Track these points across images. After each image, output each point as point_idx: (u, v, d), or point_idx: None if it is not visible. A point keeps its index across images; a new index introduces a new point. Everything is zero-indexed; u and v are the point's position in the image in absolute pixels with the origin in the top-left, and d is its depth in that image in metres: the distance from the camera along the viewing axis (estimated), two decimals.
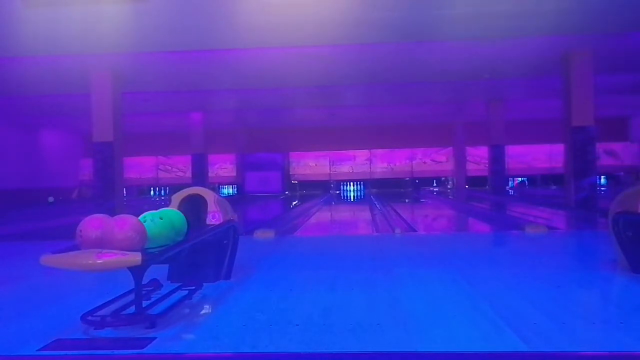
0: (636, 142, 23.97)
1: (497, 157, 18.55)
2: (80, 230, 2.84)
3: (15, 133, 20.03)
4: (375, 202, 16.12)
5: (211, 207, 4.23)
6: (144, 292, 3.22)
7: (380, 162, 25.87)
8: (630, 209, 4.14)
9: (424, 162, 25.74)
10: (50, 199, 20.66)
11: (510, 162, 20.46)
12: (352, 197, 23.31)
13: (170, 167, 26.16)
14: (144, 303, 3.12)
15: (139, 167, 25.27)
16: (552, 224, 8.81)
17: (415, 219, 11.97)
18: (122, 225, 2.88)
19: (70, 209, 15.69)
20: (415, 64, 12.41)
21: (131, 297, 3.13)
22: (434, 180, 25.91)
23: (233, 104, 17.81)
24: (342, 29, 9.48)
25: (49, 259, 2.74)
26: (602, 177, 22.57)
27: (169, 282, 3.95)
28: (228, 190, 25.18)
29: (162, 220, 3.20)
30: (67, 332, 2.92)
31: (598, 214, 9.92)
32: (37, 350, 2.67)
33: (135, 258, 2.69)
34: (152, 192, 26.26)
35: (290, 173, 25.88)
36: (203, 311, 3.45)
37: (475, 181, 22.91)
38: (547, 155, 24.12)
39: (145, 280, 3.14)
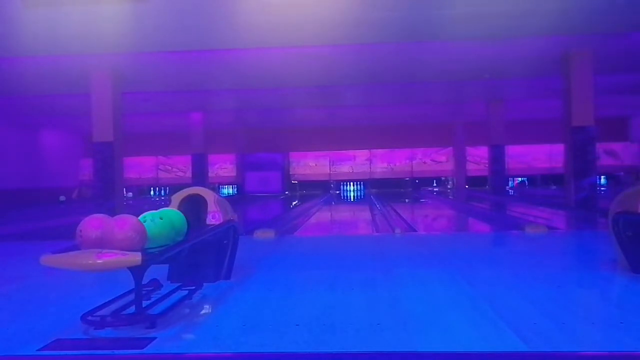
0: (636, 142, 23.97)
1: (497, 157, 18.55)
2: (80, 230, 2.84)
3: (15, 133, 20.03)
4: (375, 202, 16.12)
5: (211, 207, 4.23)
6: (144, 292, 3.22)
7: (380, 162, 25.87)
8: (630, 209, 4.13)
9: (424, 162, 25.74)
10: (62, 198, 20.74)
11: (510, 162, 20.46)
12: (352, 197, 23.31)
13: (170, 167, 26.16)
14: (144, 303, 3.12)
15: (139, 167, 25.28)
16: (552, 224, 8.80)
17: (415, 219, 11.97)
18: (122, 225, 2.87)
19: (70, 209, 15.69)
20: (415, 64, 12.41)
21: (131, 297, 3.12)
22: (434, 180, 25.92)
23: (233, 104, 17.80)
24: (342, 29, 9.48)
25: (49, 259, 2.74)
26: (602, 177, 22.57)
27: (169, 282, 3.95)
28: (228, 190, 25.18)
29: (162, 220, 3.20)
30: (67, 332, 2.92)
31: (598, 214, 9.92)
32: (37, 350, 2.67)
33: (135, 258, 2.69)
34: (152, 192, 26.26)
35: (290, 173, 25.88)
36: (203, 311, 3.45)
37: (475, 181, 22.91)
38: (547, 155, 24.12)
39: (145, 280, 3.13)
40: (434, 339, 2.75)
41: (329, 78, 13.35)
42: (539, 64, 12.31)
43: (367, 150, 25.75)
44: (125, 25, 9.11)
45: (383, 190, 23.43)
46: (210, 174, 21.21)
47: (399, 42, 10.58)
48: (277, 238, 7.30)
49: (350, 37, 9.89)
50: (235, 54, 11.08)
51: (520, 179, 25.43)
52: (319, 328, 2.94)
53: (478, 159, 23.75)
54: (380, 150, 25.73)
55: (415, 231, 8.53)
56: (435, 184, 25.82)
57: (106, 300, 3.19)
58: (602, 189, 19.85)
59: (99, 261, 2.65)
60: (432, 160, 25.73)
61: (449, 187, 25.44)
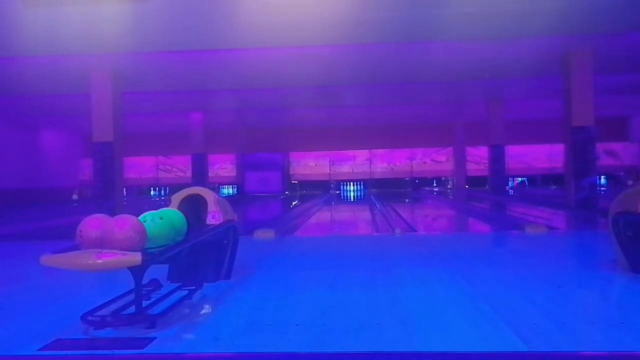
0: (636, 142, 23.97)
1: (497, 157, 18.55)
2: (80, 230, 2.84)
3: (15, 133, 20.03)
4: (375, 202, 16.12)
5: (211, 207, 4.23)
6: (144, 292, 3.22)
7: (380, 162, 25.87)
8: (630, 209, 4.13)
9: (424, 162, 25.74)
10: (75, 196, 20.78)
11: (510, 162, 20.46)
12: (352, 197, 23.31)
13: (170, 167, 26.16)
14: (144, 303, 3.12)
15: (139, 167, 25.28)
16: (552, 224, 8.81)
17: (415, 219, 11.97)
18: (122, 225, 2.87)
19: (70, 209, 15.69)
20: (415, 64, 12.41)
21: (131, 297, 3.12)
22: (434, 180, 25.92)
23: (233, 104, 17.80)
24: (342, 29, 9.48)
25: (49, 259, 2.74)
26: (602, 177, 22.57)
27: (169, 282, 3.95)
28: (228, 190, 25.18)
29: (162, 220, 3.20)
30: (67, 332, 2.92)
31: (598, 214, 9.92)
32: (37, 350, 2.67)
33: (135, 258, 2.69)
34: (152, 192, 26.26)
35: (290, 173, 25.88)
36: (203, 311, 3.45)
37: (475, 181, 22.91)
38: (547, 155, 24.13)
39: (145, 280, 3.13)
40: (434, 339, 2.75)
41: (329, 78, 13.35)
42: (539, 64, 12.31)
43: (367, 150, 25.75)
44: (125, 25, 9.11)
45: (383, 190, 23.43)
46: (210, 174, 21.21)
47: (399, 42, 10.59)
48: (277, 238, 7.30)
49: (350, 37, 9.89)
50: (235, 54, 11.08)
51: (520, 179, 25.43)
52: (319, 328, 2.94)
53: (478, 159, 23.75)
54: (380, 150, 25.74)
55: (415, 231, 8.53)
56: (435, 184, 25.83)
57: (106, 300, 3.19)
58: (602, 189, 19.85)
59: (99, 261, 2.65)
60: (432, 160, 25.73)
61: (449, 187, 25.45)
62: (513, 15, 9.11)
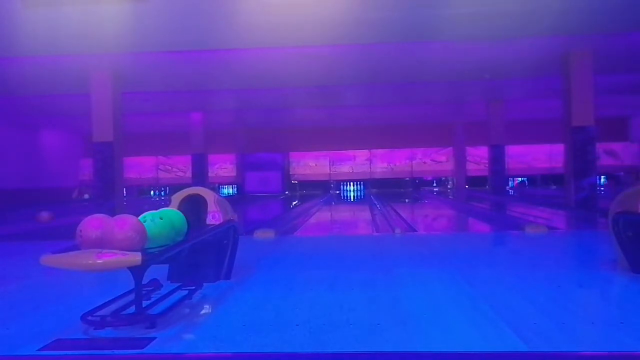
0: (636, 142, 23.97)
1: (497, 157, 18.55)
2: (80, 230, 2.84)
3: (15, 133, 20.02)
4: (375, 202, 16.12)
5: (211, 207, 4.23)
6: (144, 292, 3.22)
7: (380, 162, 25.87)
8: (630, 209, 4.14)
9: (424, 162, 25.74)
10: (86, 196, 20.82)
11: (510, 162, 20.46)
12: (352, 197, 23.30)
13: (170, 167, 26.16)
14: (144, 303, 3.12)
15: (139, 167, 25.28)
16: (552, 224, 8.80)
17: (415, 219, 11.97)
18: (122, 225, 2.88)
19: (70, 209, 15.68)
20: (415, 64, 12.40)
21: (131, 297, 3.13)
22: (434, 180, 25.92)
23: (233, 104, 17.80)
24: (342, 29, 9.48)
25: (49, 259, 2.74)
26: (602, 177, 22.57)
27: (169, 282, 3.95)
28: (228, 190, 25.18)
29: (162, 220, 3.20)
30: (67, 332, 2.92)
31: (598, 214, 9.92)
32: (37, 350, 2.67)
33: (135, 258, 2.69)
34: (152, 192, 26.26)
35: (290, 173, 25.87)
36: (203, 311, 3.45)
37: (475, 181, 22.91)
38: (547, 155, 24.12)
39: (145, 280, 3.13)
40: (434, 339, 2.75)
41: (329, 78, 13.35)
42: (539, 64, 12.31)
43: (367, 150, 25.75)
44: (125, 25, 9.11)
45: (383, 190, 23.43)
46: (210, 174, 21.21)
47: (399, 42, 10.58)
48: (277, 238, 7.30)
49: (350, 37, 9.89)
50: (235, 54, 11.08)
51: (520, 179, 25.42)
52: (319, 328, 2.94)
53: (478, 159, 23.75)
54: (380, 150, 25.73)
55: (415, 231, 8.53)
56: (435, 184, 25.83)
57: (106, 300, 3.20)
58: (602, 189, 19.85)
59: (99, 261, 2.65)
60: (432, 160, 25.73)
61: (449, 187, 25.45)
62: (513, 15, 9.11)
